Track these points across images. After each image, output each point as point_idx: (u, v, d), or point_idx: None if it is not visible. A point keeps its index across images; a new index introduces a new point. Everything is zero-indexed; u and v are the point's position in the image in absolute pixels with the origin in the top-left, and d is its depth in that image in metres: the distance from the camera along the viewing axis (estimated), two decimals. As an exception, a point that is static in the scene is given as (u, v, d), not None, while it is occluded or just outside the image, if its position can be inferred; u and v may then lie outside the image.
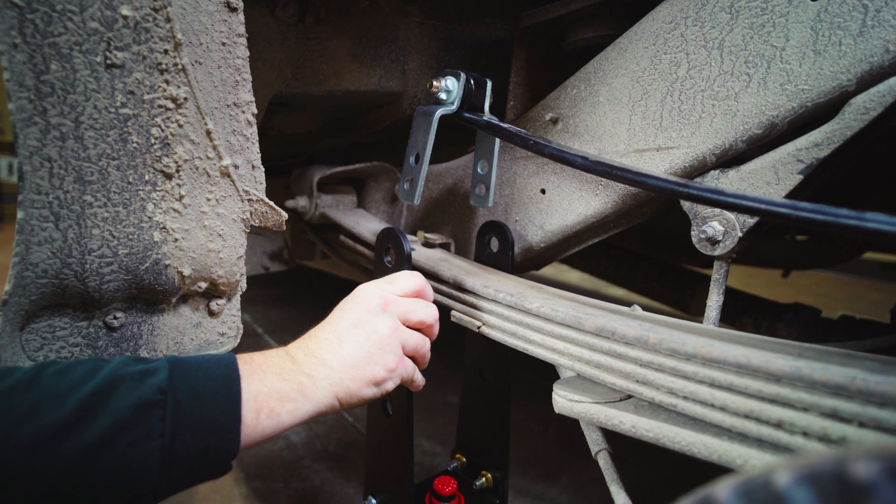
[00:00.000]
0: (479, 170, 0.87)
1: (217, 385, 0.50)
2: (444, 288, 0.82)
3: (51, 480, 0.42)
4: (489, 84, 0.82)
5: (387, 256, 0.76)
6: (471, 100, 0.80)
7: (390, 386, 0.61)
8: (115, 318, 0.64)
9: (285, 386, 0.53)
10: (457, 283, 0.78)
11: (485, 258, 0.90)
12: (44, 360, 0.49)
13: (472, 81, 0.79)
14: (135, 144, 0.57)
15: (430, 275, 0.84)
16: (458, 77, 0.78)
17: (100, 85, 0.54)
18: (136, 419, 0.44)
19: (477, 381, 0.92)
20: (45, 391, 0.44)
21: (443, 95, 0.79)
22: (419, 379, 0.67)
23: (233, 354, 0.54)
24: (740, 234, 0.63)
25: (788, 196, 0.61)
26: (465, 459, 0.94)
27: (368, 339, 0.59)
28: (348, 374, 0.57)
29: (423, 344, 0.65)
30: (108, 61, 0.54)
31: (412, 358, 0.65)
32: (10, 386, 0.43)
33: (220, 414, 0.48)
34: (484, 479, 0.89)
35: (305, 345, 0.59)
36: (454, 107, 0.79)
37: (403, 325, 0.63)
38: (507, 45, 1.10)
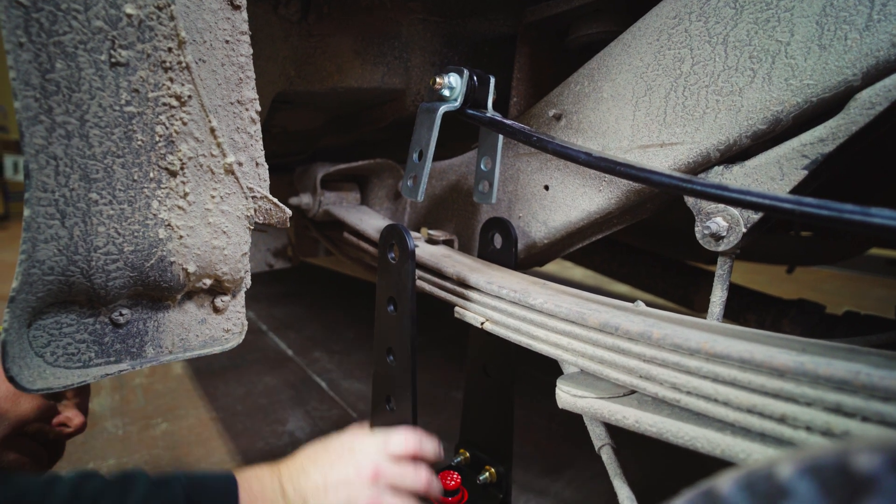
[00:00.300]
0: (482, 166, 0.87)
1: None
2: (447, 284, 0.82)
3: None
4: (492, 80, 0.81)
5: (390, 253, 0.76)
6: (474, 96, 0.80)
7: None
8: (121, 314, 0.64)
9: None
10: (460, 279, 0.78)
11: (488, 255, 0.90)
12: (80, 476, 0.56)
13: (475, 78, 0.79)
14: (139, 142, 0.58)
15: (433, 271, 0.85)
16: (461, 74, 0.78)
17: (105, 83, 0.54)
18: None
19: (480, 376, 0.92)
20: None
21: (446, 92, 0.79)
22: None
23: (236, 482, 0.61)
24: (744, 230, 0.63)
25: (793, 192, 0.61)
26: (468, 454, 0.94)
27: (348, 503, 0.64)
28: None
29: None
30: (113, 59, 0.54)
31: None
32: None
33: None
34: (487, 473, 0.89)
35: (297, 479, 0.65)
36: (457, 103, 0.79)
37: (391, 489, 0.66)
38: (510, 42, 1.10)
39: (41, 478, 0.55)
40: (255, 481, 0.63)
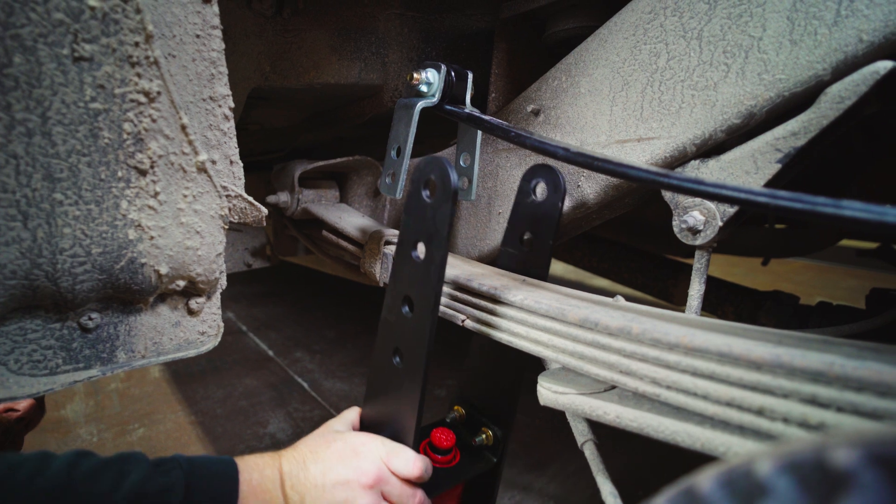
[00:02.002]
0: (461, 162, 0.87)
1: None
2: (428, 282, 0.81)
3: None
4: (470, 76, 0.81)
5: (425, 190, 0.63)
6: (452, 92, 0.79)
7: None
8: (91, 318, 0.62)
9: None
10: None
11: (527, 206, 0.80)
12: (76, 454, 0.54)
13: (453, 73, 0.78)
14: (106, 140, 0.56)
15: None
16: (438, 69, 0.78)
17: (67, 79, 0.52)
18: None
19: None
20: (79, 499, 0.50)
21: (424, 88, 0.78)
22: None
23: (237, 469, 0.60)
24: (721, 224, 0.64)
25: (767, 185, 0.62)
26: (464, 411, 0.88)
27: None
28: None
29: None
30: (76, 54, 0.52)
31: None
32: (44, 489, 0.49)
33: None
34: (484, 435, 0.83)
35: (297, 474, 0.64)
36: (435, 99, 0.78)
37: (385, 500, 0.65)
38: (488, 37, 1.09)
39: (33, 453, 0.53)
40: (255, 472, 0.62)
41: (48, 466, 0.50)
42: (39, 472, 0.50)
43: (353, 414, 0.76)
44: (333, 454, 0.66)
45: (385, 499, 0.65)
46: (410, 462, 0.66)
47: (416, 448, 0.69)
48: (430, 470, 0.68)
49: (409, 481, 0.66)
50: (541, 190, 0.78)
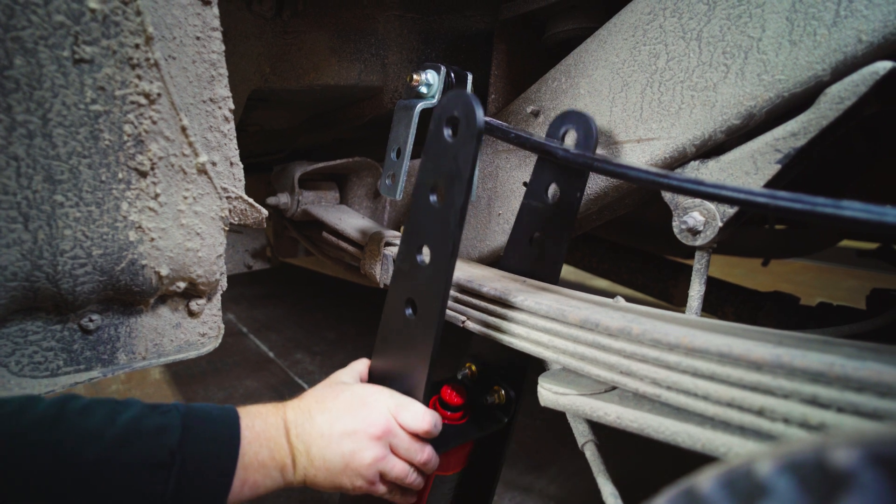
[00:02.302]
0: (461, 164, 0.86)
1: (220, 450, 0.54)
2: (428, 283, 0.81)
3: None
4: (470, 77, 0.81)
5: (447, 128, 0.59)
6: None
7: (351, 493, 0.63)
8: (91, 320, 0.62)
9: (272, 464, 0.58)
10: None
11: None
12: (66, 395, 0.52)
13: (452, 75, 0.78)
14: (107, 142, 0.56)
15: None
16: (438, 70, 0.78)
17: (68, 81, 0.52)
18: (145, 480, 0.49)
19: None
20: (68, 433, 0.48)
21: (423, 89, 0.78)
22: (397, 497, 0.67)
23: (237, 415, 0.58)
24: (720, 224, 0.64)
25: (767, 185, 0.62)
26: (475, 369, 0.83)
27: (352, 457, 0.61)
28: (321, 474, 0.61)
29: (405, 476, 0.64)
30: (77, 56, 0.52)
31: (395, 483, 0.65)
32: (35, 421, 0.47)
33: (215, 477, 0.53)
34: (496, 395, 0.80)
35: (302, 423, 0.62)
36: (435, 100, 0.78)
37: (393, 453, 0.63)
38: (488, 38, 1.09)
39: (18, 395, 0.51)
40: (258, 419, 0.60)
41: (36, 404, 0.49)
42: (27, 408, 0.48)
43: (361, 365, 0.73)
44: (341, 404, 0.64)
45: (392, 452, 0.63)
46: (419, 416, 0.64)
47: (426, 403, 0.67)
48: (440, 426, 0.66)
49: (417, 436, 0.64)
50: (571, 139, 0.73)
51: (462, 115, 0.56)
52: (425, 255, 0.63)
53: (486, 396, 0.79)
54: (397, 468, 0.63)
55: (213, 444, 0.54)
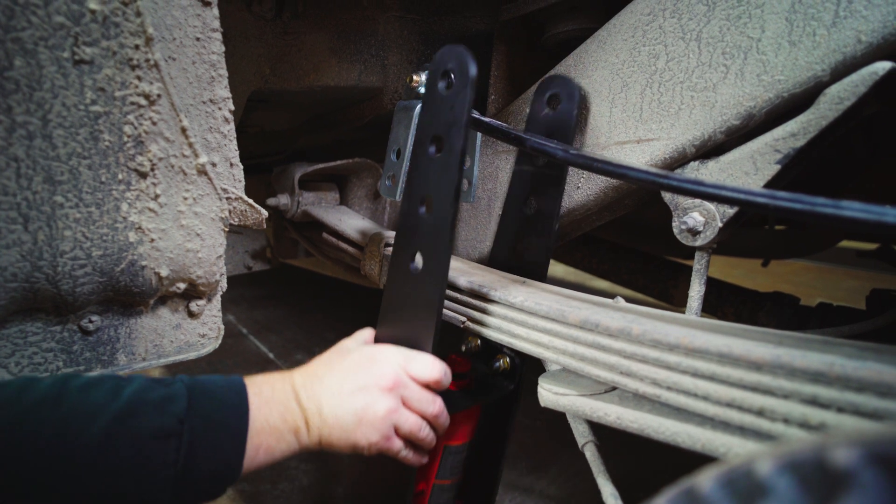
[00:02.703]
0: (461, 164, 0.86)
1: (229, 416, 0.53)
2: (428, 284, 0.81)
3: (67, 502, 0.46)
4: (470, 78, 0.81)
5: (442, 82, 0.63)
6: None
7: (366, 453, 0.62)
8: (91, 321, 0.62)
9: (284, 427, 0.57)
10: (441, 278, 0.78)
11: (541, 120, 0.80)
12: (66, 373, 0.52)
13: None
14: (107, 143, 0.56)
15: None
16: (438, 71, 0.78)
17: (68, 81, 0.52)
18: (155, 449, 0.48)
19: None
20: (72, 410, 0.47)
21: (423, 90, 0.78)
22: (409, 456, 0.66)
23: (244, 383, 0.57)
24: (720, 225, 0.64)
25: (767, 186, 0.62)
26: (479, 342, 0.84)
27: (364, 411, 0.60)
28: (336, 432, 0.60)
29: (418, 430, 0.64)
30: (77, 57, 0.52)
31: (408, 439, 0.64)
32: (37, 400, 0.46)
33: (228, 445, 0.52)
34: (501, 361, 0.80)
35: (311, 385, 0.61)
36: (435, 101, 0.78)
37: (405, 406, 0.63)
38: (488, 39, 1.09)
39: (16, 378, 0.50)
40: (265, 385, 0.59)
41: (36, 384, 0.48)
42: (27, 389, 0.47)
43: (366, 333, 0.73)
44: (349, 364, 0.64)
45: (404, 405, 0.63)
46: (429, 365, 0.64)
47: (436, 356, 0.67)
48: (449, 375, 0.66)
49: (428, 387, 0.64)
50: (555, 103, 0.77)
51: (455, 66, 0.61)
52: (428, 206, 0.66)
53: (491, 363, 0.80)
54: (410, 420, 0.62)
55: (222, 411, 0.53)
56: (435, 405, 0.64)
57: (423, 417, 0.64)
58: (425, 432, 0.64)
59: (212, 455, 0.51)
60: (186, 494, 0.50)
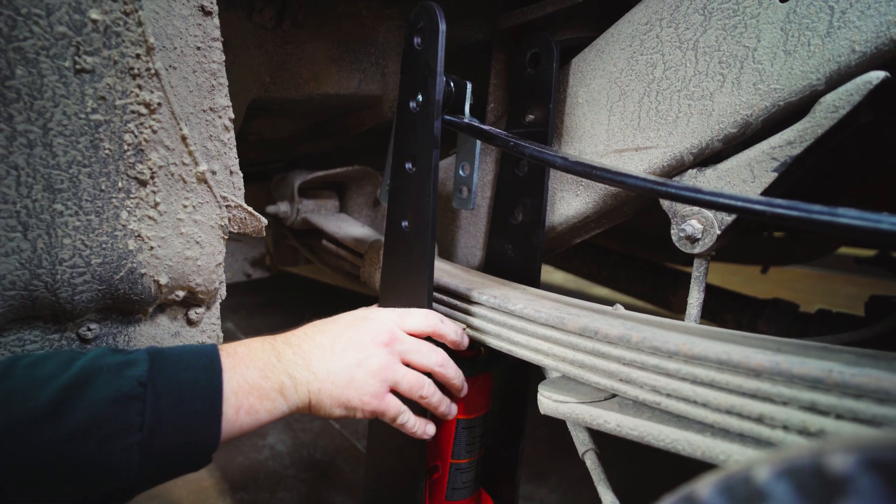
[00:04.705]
0: (460, 172, 0.87)
1: (198, 377, 0.49)
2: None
3: (24, 471, 0.42)
4: (469, 86, 0.81)
5: (417, 38, 0.68)
6: (451, 102, 0.80)
7: (359, 415, 0.59)
8: (89, 329, 0.62)
9: (266, 384, 0.54)
10: (439, 284, 0.78)
11: (525, 79, 0.83)
12: (17, 354, 0.49)
13: (451, 84, 0.79)
14: (107, 151, 0.56)
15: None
16: (437, 80, 0.78)
17: (69, 90, 0.52)
18: (114, 412, 0.44)
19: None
20: (19, 382, 0.44)
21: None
22: (410, 422, 0.62)
23: (215, 345, 0.54)
24: (719, 232, 0.64)
25: (764, 193, 0.62)
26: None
27: (358, 366, 0.57)
28: (327, 388, 0.56)
29: (419, 386, 0.61)
30: (78, 66, 0.52)
31: (409, 398, 0.62)
32: None
33: (200, 407, 0.48)
34: None
35: (298, 343, 0.58)
36: (434, 109, 0.78)
37: (404, 363, 0.61)
38: (486, 48, 1.10)
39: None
40: (240, 347, 0.55)
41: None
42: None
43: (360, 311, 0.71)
44: (341, 323, 0.61)
45: (406, 363, 0.60)
46: (423, 315, 0.62)
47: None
48: (447, 323, 0.63)
49: (427, 341, 0.62)
50: (535, 61, 0.81)
51: (426, 19, 0.67)
52: (413, 161, 0.69)
53: None
54: (409, 376, 0.60)
55: (191, 372, 0.49)
56: (437, 353, 0.61)
57: (428, 371, 0.61)
58: (429, 390, 0.61)
59: (183, 418, 0.47)
60: (159, 462, 0.46)
